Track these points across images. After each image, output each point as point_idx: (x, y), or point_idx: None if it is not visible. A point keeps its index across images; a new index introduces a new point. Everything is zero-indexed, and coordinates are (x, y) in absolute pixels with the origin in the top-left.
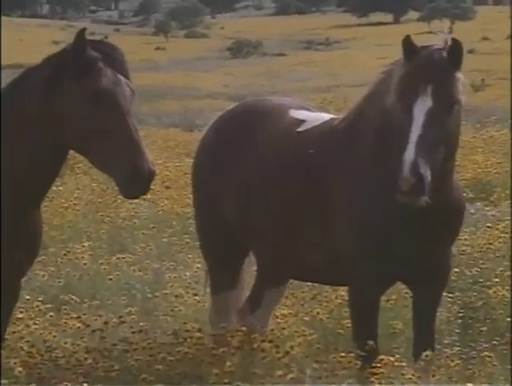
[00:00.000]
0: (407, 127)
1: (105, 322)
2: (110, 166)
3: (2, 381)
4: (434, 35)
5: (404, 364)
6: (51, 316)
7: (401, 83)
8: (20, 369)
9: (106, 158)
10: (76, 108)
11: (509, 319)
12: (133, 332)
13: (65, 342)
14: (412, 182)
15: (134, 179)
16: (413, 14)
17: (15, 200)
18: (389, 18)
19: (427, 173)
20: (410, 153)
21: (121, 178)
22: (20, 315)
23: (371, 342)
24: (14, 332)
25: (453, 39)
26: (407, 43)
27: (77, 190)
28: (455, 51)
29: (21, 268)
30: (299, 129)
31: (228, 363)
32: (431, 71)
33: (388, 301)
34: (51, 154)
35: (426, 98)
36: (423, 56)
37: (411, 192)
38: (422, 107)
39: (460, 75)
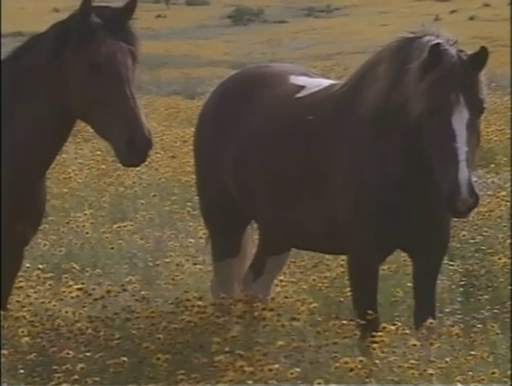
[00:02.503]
0: (447, 142)
1: (107, 291)
2: (109, 134)
3: (4, 351)
4: (435, 2)
5: (407, 332)
6: (52, 285)
7: (431, 94)
8: (25, 338)
9: (105, 126)
10: (77, 76)
11: (510, 287)
12: (136, 300)
13: (66, 311)
14: (470, 203)
15: (131, 147)
16: None
17: (20, 169)
18: None
19: (477, 188)
20: (464, 174)
21: (118, 146)
22: (21, 284)
23: (370, 312)
24: (17, 301)
25: (482, 47)
26: (436, 49)
27: (78, 159)
28: (481, 58)
29: (24, 237)
30: (299, 95)
31: (229, 332)
32: (461, 79)
33: (389, 269)
34: (57, 123)
35: (462, 109)
36: (450, 63)
37: (468, 211)
38: (461, 120)
39: (482, 76)
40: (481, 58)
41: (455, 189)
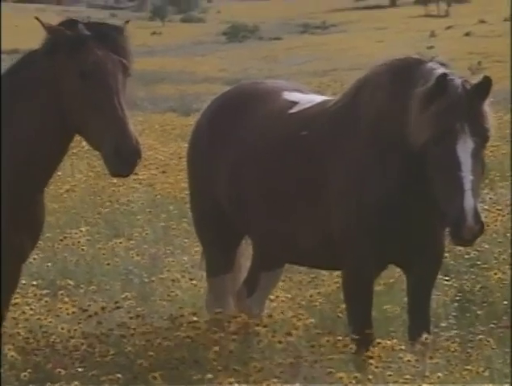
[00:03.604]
0: (453, 171)
1: (102, 307)
2: (99, 143)
3: None
4: (431, 19)
5: (402, 347)
6: (47, 301)
7: (437, 124)
8: (16, 355)
9: (95, 136)
10: (69, 85)
11: (506, 302)
12: (130, 317)
13: (62, 328)
14: (476, 231)
15: (118, 156)
16: None
17: (19, 185)
18: (385, 1)
19: (483, 216)
20: (469, 202)
21: (107, 156)
22: (17, 300)
23: (366, 328)
24: (14, 318)
25: (486, 77)
26: (443, 80)
27: (74, 176)
28: (485, 87)
29: (22, 253)
30: (292, 111)
31: (225, 348)
32: (466, 109)
33: (385, 284)
34: (55, 138)
35: (467, 138)
36: (455, 94)
37: (473, 239)
38: (466, 149)
39: (487, 106)
40: (484, 87)
41: (461, 217)
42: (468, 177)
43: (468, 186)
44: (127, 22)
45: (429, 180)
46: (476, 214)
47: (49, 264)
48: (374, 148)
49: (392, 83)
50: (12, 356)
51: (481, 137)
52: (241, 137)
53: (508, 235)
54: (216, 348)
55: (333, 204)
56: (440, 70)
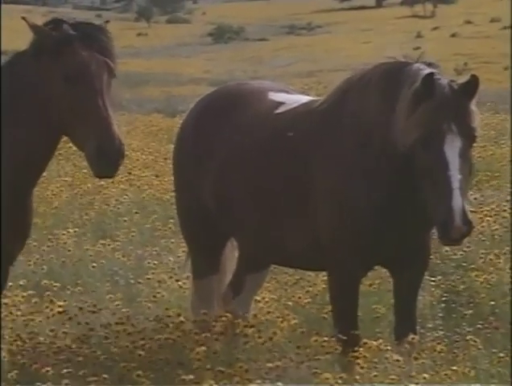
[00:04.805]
0: (441, 170)
1: (88, 309)
2: (83, 144)
3: None
4: (418, 19)
5: (389, 348)
6: (34, 302)
7: (425, 125)
8: (2, 355)
9: (80, 137)
10: (54, 86)
11: (492, 303)
12: (116, 323)
13: (48, 329)
14: (464, 231)
15: (101, 157)
16: None
17: (8, 187)
18: (371, 1)
19: (471, 216)
20: (457, 202)
21: (90, 156)
22: (3, 301)
23: (351, 328)
24: None
25: (473, 76)
26: (429, 80)
27: (60, 177)
28: (472, 87)
29: (11, 255)
30: (278, 111)
31: (210, 349)
32: (453, 109)
33: (371, 285)
34: (42, 140)
35: (455, 138)
36: (442, 94)
37: (461, 239)
38: (453, 148)
39: (474, 106)
40: (472, 86)
41: (448, 217)
42: (456, 176)
43: (456, 185)
44: (107, 21)
45: (417, 181)
46: (465, 213)
47: (35, 265)
48: (361, 149)
49: (379, 84)
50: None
51: (469, 136)
52: (227, 138)
53: (495, 236)
54: (202, 349)
55: (319, 205)
56: (427, 70)
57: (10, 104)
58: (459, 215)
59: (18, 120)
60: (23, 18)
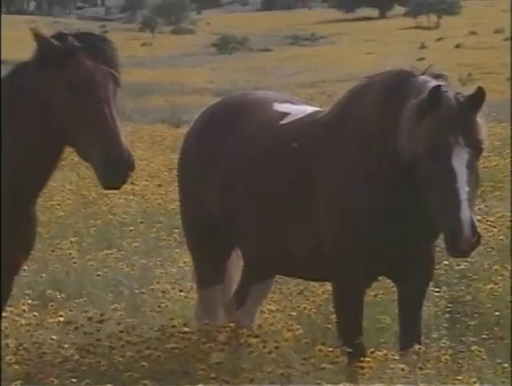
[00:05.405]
0: (448, 182)
1: (92, 318)
2: (89, 156)
3: None
4: (421, 30)
5: (396, 358)
6: (38, 312)
7: (431, 137)
8: (7, 366)
9: (86, 148)
10: (58, 97)
11: (497, 313)
12: (120, 331)
13: (52, 339)
14: (473, 242)
15: (109, 168)
16: (399, 9)
17: (11, 197)
18: (375, 13)
19: (479, 228)
20: (466, 213)
21: (98, 168)
22: (7, 312)
23: (360, 338)
24: (4, 328)
25: (479, 88)
26: (436, 92)
27: (65, 187)
28: (478, 99)
29: (15, 264)
30: (283, 122)
31: (215, 359)
32: (460, 121)
33: (376, 295)
34: (45, 151)
35: (462, 150)
36: (449, 106)
37: (470, 250)
38: (460, 160)
39: (480, 118)
40: (478, 99)
41: (457, 228)
42: (463, 188)
43: (464, 196)
44: (106, 32)
45: (423, 192)
46: (473, 225)
47: (40, 275)
48: (364, 160)
49: (384, 95)
50: (2, 367)
51: (476, 148)
52: (232, 149)
53: (500, 246)
54: (206, 359)
55: (323, 215)
56: (433, 83)
57: (10, 109)
58: (468, 227)
59: (19, 131)
60: (31, 30)
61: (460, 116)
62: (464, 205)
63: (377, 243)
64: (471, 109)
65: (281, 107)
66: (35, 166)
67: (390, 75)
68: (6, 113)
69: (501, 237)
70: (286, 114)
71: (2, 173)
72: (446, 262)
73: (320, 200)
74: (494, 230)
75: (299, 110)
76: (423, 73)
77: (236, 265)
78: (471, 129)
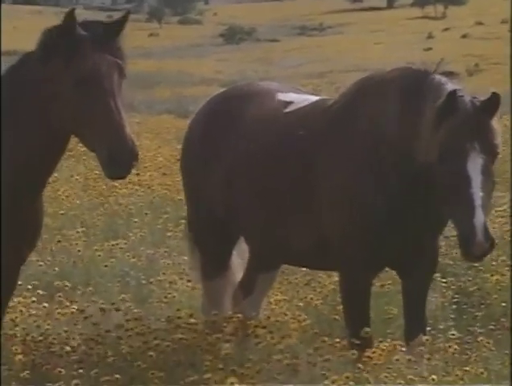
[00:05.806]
0: (463, 188)
1: (99, 309)
2: (95, 146)
3: None
4: (428, 20)
5: (401, 349)
6: (45, 303)
7: (448, 142)
8: (14, 356)
9: (92, 139)
10: (64, 89)
11: (504, 304)
12: (127, 320)
13: (59, 330)
14: (486, 248)
15: (113, 159)
16: None
17: (17, 188)
18: (382, 2)
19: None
20: (480, 219)
21: (102, 158)
22: (14, 302)
23: (367, 329)
24: (12, 320)
25: (494, 93)
26: (453, 97)
27: (72, 177)
28: (493, 104)
29: (22, 255)
30: (287, 110)
31: (222, 350)
32: (476, 126)
33: (382, 286)
34: (50, 140)
35: (477, 155)
36: (465, 111)
37: (483, 256)
38: (475, 165)
39: (496, 123)
40: (493, 104)
41: (471, 233)
42: (478, 193)
43: (478, 202)
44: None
45: (437, 196)
46: (486, 230)
47: (46, 265)
48: (372, 153)
49: (400, 98)
50: (10, 357)
51: (490, 153)
52: (236, 140)
53: (506, 237)
54: (214, 349)
55: (328, 208)
56: (449, 85)
57: (19, 103)
58: (481, 232)
59: (26, 120)
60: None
61: (476, 121)
62: (478, 211)
63: (385, 235)
64: (486, 114)
65: (285, 96)
66: (41, 157)
67: (405, 74)
68: (13, 103)
69: (508, 228)
70: (289, 103)
71: (1, 173)
72: (455, 251)
73: (324, 193)
74: (501, 220)
75: (303, 98)
76: (435, 70)
77: (241, 256)
78: (487, 134)
